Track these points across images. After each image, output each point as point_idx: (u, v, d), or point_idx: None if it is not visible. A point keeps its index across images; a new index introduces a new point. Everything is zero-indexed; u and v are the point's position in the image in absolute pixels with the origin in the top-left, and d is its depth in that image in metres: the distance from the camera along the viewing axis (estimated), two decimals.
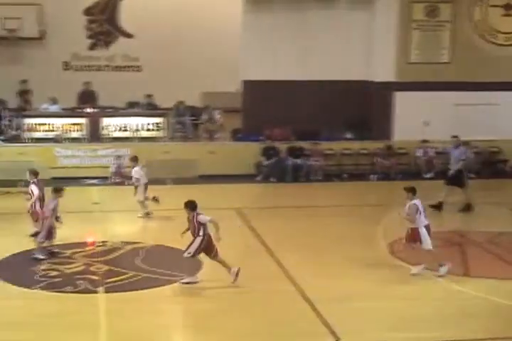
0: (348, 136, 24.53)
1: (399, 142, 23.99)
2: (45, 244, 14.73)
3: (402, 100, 24.32)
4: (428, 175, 23.47)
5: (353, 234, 16.60)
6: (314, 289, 12.96)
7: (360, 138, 24.42)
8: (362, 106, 24.34)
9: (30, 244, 15.28)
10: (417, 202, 13.85)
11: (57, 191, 14.99)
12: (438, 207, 18.57)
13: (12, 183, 21.30)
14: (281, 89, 23.87)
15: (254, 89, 24.09)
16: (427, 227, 13.81)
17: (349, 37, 24.27)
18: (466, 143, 23.64)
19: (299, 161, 23.06)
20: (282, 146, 23.33)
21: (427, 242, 13.73)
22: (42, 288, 12.95)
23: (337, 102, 23.98)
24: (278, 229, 17.13)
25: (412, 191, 14.00)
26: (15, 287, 13.06)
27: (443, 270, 13.73)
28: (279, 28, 23.86)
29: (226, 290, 13.02)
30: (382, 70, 24.26)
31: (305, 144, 23.47)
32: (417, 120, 24.07)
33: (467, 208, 18.74)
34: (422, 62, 24.47)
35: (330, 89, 23.89)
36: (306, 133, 23.83)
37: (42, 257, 14.51)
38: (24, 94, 25.63)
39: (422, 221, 13.80)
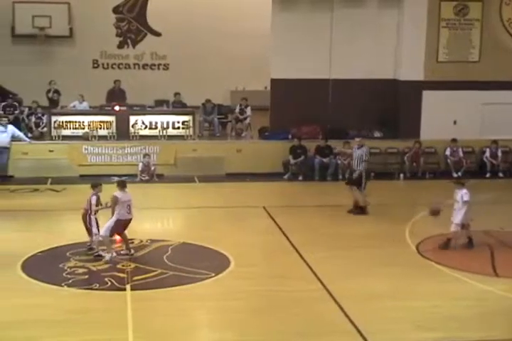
0: (376, 134, 24.43)
1: (427, 141, 23.86)
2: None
3: (430, 99, 24.19)
4: (457, 175, 23.34)
5: (381, 233, 16.55)
6: (341, 288, 12.94)
7: (388, 137, 24.33)
8: (390, 105, 24.25)
9: (57, 242, 15.40)
10: (119, 194, 14.37)
11: (94, 186, 15.15)
12: (361, 211, 18.36)
13: (41, 180, 21.48)
14: (310, 88, 23.80)
15: (282, 87, 24.03)
16: (127, 221, 14.47)
17: (377, 36, 24.15)
18: (494, 142, 23.64)
19: (326, 160, 22.99)
20: (310, 145, 23.26)
21: (106, 230, 14.35)
22: (69, 285, 13.02)
23: (365, 101, 23.90)
24: (305, 227, 17.11)
25: (120, 185, 14.58)
26: (43, 284, 13.15)
27: (107, 257, 14.30)
28: (308, 27, 23.79)
29: (254, 289, 13.01)
30: (411, 69, 24.12)
31: (333, 143, 23.40)
32: (446, 119, 23.96)
33: (361, 211, 18.38)
34: (450, 61, 24.32)
35: (358, 88, 23.81)
36: (334, 132, 23.77)
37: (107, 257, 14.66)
38: (52, 93, 25.77)
39: (122, 214, 14.35)
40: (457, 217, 15.12)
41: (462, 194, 15.11)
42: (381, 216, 18.24)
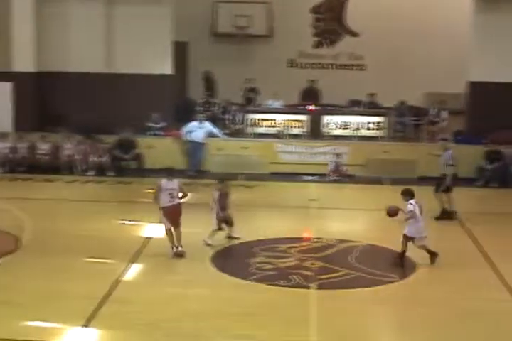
0: None
1: None
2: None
3: None
4: None
5: None
6: None
7: None
8: None
9: (246, 237, 15.69)
10: (163, 181, 14.49)
11: (219, 182, 15.74)
12: (445, 217, 17.62)
13: (233, 176, 21.91)
14: (510, 92, 23.03)
15: (480, 90, 23.40)
16: (169, 209, 14.44)
17: None
18: None
19: None
20: (507, 151, 22.47)
21: (164, 223, 14.54)
22: (256, 280, 13.21)
23: None
24: (498, 236, 16.53)
25: (166, 173, 14.69)
26: (230, 277, 13.42)
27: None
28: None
29: (439, 296, 12.71)
30: None
31: None
32: None
33: (444, 216, 17.68)
34: None
35: None
36: None
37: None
38: (249, 92, 26.35)
39: (164, 201, 14.44)
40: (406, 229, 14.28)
41: (407, 205, 14.24)
42: None
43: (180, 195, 14.59)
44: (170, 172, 14.75)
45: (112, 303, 11.92)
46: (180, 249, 14.45)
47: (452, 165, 18.05)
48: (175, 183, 14.60)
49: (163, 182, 14.55)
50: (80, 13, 24.16)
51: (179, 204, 14.60)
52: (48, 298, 12.11)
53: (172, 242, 14.52)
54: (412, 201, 14.34)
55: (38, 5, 24.07)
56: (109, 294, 12.31)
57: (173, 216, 14.48)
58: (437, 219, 17.76)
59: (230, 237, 15.59)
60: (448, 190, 17.95)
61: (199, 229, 15.52)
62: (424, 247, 14.30)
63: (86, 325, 10.96)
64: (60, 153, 23.23)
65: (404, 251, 14.33)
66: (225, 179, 15.93)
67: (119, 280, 13.10)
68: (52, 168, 22.84)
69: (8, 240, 15.15)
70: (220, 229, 15.40)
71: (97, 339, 10.69)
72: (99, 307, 11.67)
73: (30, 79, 24.07)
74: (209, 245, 15.14)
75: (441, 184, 17.98)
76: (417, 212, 14.25)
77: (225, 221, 15.43)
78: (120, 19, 24.31)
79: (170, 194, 14.46)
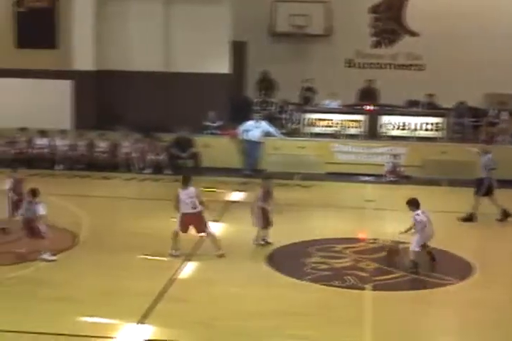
0: None
1: None
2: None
3: None
4: None
5: None
6: None
7: None
8: None
9: (302, 236, 15.67)
10: (180, 189, 14.36)
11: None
12: (469, 219, 17.58)
13: (290, 176, 21.96)
14: None
15: None
16: (189, 215, 14.26)
17: None
18: None
19: None
20: None
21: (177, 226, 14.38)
22: (310, 280, 13.19)
23: None
24: None
25: (183, 180, 14.52)
26: (285, 277, 13.42)
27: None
28: None
29: (495, 299, 12.53)
30: None
31: None
32: None
33: (470, 218, 17.60)
34: None
35: None
36: None
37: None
38: (306, 91, 26.35)
39: (184, 208, 14.28)
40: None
41: (415, 217, 14.04)
42: None
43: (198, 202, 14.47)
44: (186, 181, 14.61)
45: (166, 301, 12.02)
46: (220, 252, 14.39)
47: (493, 168, 17.92)
48: (191, 191, 14.48)
49: (180, 190, 14.48)
50: (140, 12, 24.41)
51: (200, 212, 14.45)
52: (105, 294, 12.25)
53: (174, 245, 14.39)
54: (418, 211, 14.18)
55: (98, 4, 24.40)
56: (164, 292, 12.42)
57: (194, 223, 14.43)
58: (500, 220, 17.70)
59: (263, 240, 15.39)
60: (489, 192, 17.81)
61: (251, 227, 15.51)
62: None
63: (141, 322, 11.07)
64: (118, 151, 23.53)
65: (430, 253, 14.18)
66: (268, 177, 15.91)
67: (174, 278, 13.21)
68: (110, 165, 23.15)
69: (65, 236, 15.37)
70: (267, 226, 15.30)
71: (152, 336, 10.76)
72: (155, 305, 11.78)
73: (89, 77, 24.41)
74: (262, 245, 15.16)
75: (481, 187, 17.80)
76: (425, 220, 14.12)
77: (267, 220, 15.29)
78: (179, 18, 24.50)
79: (191, 202, 14.38)
